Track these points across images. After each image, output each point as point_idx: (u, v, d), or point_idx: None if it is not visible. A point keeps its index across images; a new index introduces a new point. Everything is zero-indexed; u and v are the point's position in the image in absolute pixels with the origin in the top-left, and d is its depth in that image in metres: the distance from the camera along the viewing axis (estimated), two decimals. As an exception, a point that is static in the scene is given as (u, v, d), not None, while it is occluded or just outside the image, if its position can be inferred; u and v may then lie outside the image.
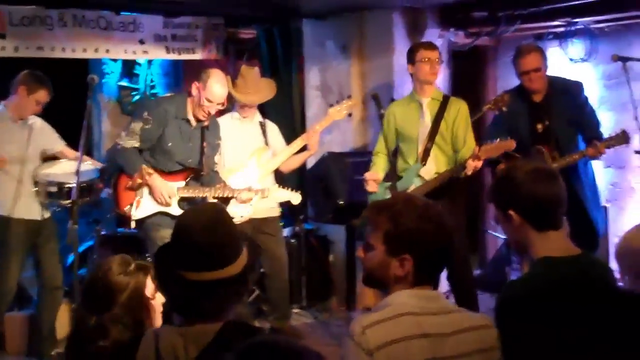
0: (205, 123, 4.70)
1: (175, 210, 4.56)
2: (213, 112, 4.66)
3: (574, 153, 4.87)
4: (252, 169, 5.12)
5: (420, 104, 4.92)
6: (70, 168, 4.80)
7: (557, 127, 4.99)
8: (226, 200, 4.70)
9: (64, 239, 5.87)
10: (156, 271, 2.19)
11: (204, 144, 4.72)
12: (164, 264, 2.11)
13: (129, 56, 6.15)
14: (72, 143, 6.17)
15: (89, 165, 4.96)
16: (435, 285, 2.29)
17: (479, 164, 4.59)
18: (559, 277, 2.18)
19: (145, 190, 4.59)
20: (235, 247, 2.10)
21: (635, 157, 5.73)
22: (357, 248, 2.19)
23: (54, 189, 4.75)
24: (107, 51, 5.87)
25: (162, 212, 4.58)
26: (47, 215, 4.92)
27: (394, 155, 4.90)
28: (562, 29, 6.18)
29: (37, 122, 5.01)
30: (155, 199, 4.58)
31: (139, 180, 4.53)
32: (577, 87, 5.12)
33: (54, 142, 5.09)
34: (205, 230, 2.05)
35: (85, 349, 2.29)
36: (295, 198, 4.94)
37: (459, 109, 4.88)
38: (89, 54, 5.79)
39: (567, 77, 5.29)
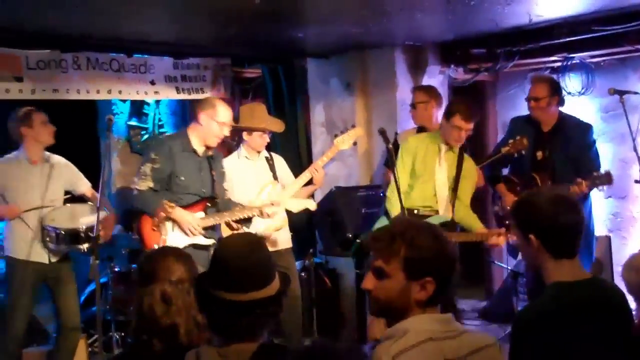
0: (210, 153, 4.83)
1: (203, 240, 4.66)
2: (227, 134, 4.79)
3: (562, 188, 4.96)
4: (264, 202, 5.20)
5: (439, 148, 4.94)
6: (76, 212, 4.91)
7: (556, 159, 5.13)
8: (247, 221, 4.85)
9: (81, 274, 6.01)
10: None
11: (213, 172, 4.83)
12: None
13: (141, 97, 6.33)
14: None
15: (100, 216, 5.00)
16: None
17: (502, 241, 4.73)
18: (572, 300, 2.28)
19: (169, 226, 4.65)
20: (269, 271, 2.24)
21: (636, 187, 5.87)
22: (365, 279, 2.13)
23: (52, 234, 4.79)
24: (120, 92, 6.04)
25: (192, 243, 4.63)
26: (54, 259, 4.93)
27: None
28: (559, 64, 6.33)
29: (62, 162, 5.10)
30: (183, 231, 4.64)
31: (163, 215, 4.59)
32: (586, 128, 5.23)
33: (77, 183, 5.15)
34: (243, 253, 2.20)
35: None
36: (311, 204, 5.09)
37: (471, 165, 4.99)
38: (103, 95, 5.96)
39: (579, 118, 5.40)
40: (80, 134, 6.92)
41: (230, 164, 5.21)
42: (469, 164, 4.99)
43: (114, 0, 4.24)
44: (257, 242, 2.31)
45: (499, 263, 6.96)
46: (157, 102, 7.14)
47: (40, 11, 4.45)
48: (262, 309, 2.18)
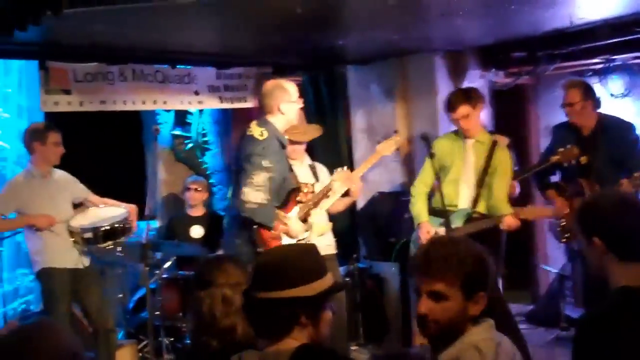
0: None
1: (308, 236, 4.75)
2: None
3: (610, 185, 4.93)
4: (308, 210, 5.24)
5: (464, 143, 5.00)
6: (98, 213, 5.07)
7: (600, 162, 5.10)
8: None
9: (130, 281, 6.15)
10: (244, 301, 2.35)
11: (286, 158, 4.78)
12: (249, 294, 2.26)
13: (185, 106, 6.45)
14: (128, 189, 6.48)
15: (122, 210, 5.17)
16: None
17: (515, 223, 4.72)
18: (637, 306, 2.25)
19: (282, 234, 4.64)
20: (307, 272, 2.22)
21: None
22: (418, 304, 2.19)
23: (89, 235, 4.92)
24: (165, 102, 6.17)
25: None
26: (87, 263, 5.10)
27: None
28: (601, 66, 6.31)
29: (61, 174, 5.20)
30: (290, 236, 4.64)
31: (281, 226, 4.58)
32: (627, 126, 5.23)
33: (80, 191, 5.27)
34: (277, 254, 2.30)
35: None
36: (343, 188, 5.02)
37: (503, 160, 4.95)
38: (148, 106, 6.10)
39: (620, 117, 5.40)
40: (126, 144, 7.07)
41: None
42: (501, 157, 4.93)
43: (161, 14, 4.33)
44: (307, 244, 2.38)
45: (545, 267, 6.93)
46: (201, 111, 7.26)
47: (89, 26, 4.57)
48: (298, 307, 2.17)
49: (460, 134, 5.03)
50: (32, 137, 5.03)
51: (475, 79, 6.55)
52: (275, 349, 2.19)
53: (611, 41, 5.71)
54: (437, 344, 2.22)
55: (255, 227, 4.55)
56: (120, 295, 5.95)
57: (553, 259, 6.82)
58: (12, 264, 5.73)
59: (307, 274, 2.22)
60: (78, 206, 5.27)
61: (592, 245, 2.35)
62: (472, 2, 4.57)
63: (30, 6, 3.03)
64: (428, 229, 4.95)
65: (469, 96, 4.90)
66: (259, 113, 6.19)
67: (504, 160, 4.94)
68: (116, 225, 4.93)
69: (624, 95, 6.40)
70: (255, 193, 4.43)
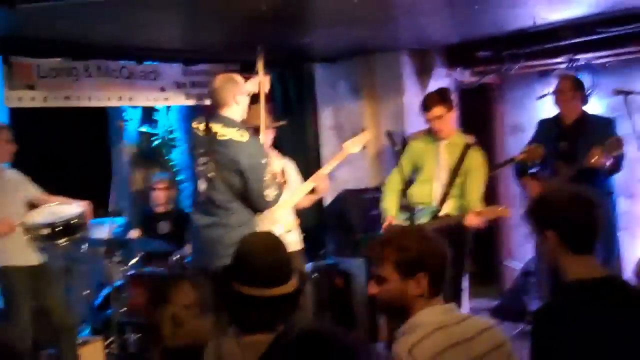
0: None
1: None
2: None
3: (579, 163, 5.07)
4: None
5: (438, 144, 5.02)
6: (53, 210, 4.91)
7: (580, 148, 5.19)
8: None
9: (95, 277, 6.11)
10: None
11: None
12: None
13: (151, 103, 6.43)
14: (93, 185, 6.45)
15: (77, 207, 5.00)
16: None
17: (476, 221, 4.74)
18: (591, 297, 2.31)
19: None
20: (289, 269, 2.38)
21: (640, 186, 5.93)
22: (369, 287, 2.37)
23: (44, 231, 4.77)
24: (130, 99, 6.13)
25: None
26: (44, 259, 5.00)
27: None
28: (565, 65, 6.38)
29: (13, 173, 5.09)
30: None
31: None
32: (609, 121, 5.38)
33: (31, 189, 5.14)
34: (267, 250, 2.35)
35: None
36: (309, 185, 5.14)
37: (476, 161, 4.97)
38: (113, 102, 6.05)
39: (602, 115, 5.69)
40: (91, 140, 7.02)
41: None
42: (475, 158, 4.96)
43: (124, 9, 4.31)
44: (278, 240, 2.46)
45: (511, 262, 7.02)
46: (168, 108, 7.24)
47: (52, 20, 4.54)
48: (281, 304, 2.32)
49: (435, 135, 5.05)
50: None
51: (441, 78, 6.63)
52: (255, 337, 2.30)
53: (574, 41, 5.82)
54: (395, 320, 2.36)
55: None
56: (86, 292, 5.90)
57: (518, 255, 6.92)
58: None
59: (289, 271, 2.39)
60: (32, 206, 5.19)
61: (546, 239, 2.40)
62: (437, 1, 4.62)
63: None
64: (390, 221, 5.03)
65: (444, 98, 4.96)
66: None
67: (478, 161, 4.96)
68: (72, 222, 4.80)
69: (588, 95, 6.49)
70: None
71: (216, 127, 4.45)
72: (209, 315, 2.66)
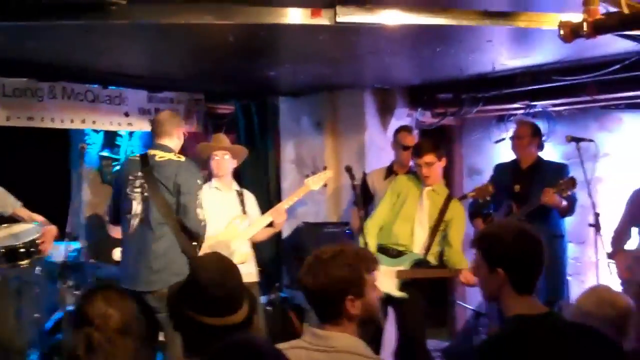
0: None
1: None
2: None
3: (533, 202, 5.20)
4: (231, 236, 5.30)
5: (422, 187, 5.02)
6: (13, 231, 4.84)
7: (533, 191, 5.35)
8: None
9: (48, 302, 6.02)
10: (172, 313, 2.40)
11: None
12: (179, 306, 2.34)
13: (114, 128, 6.43)
14: (51, 207, 6.36)
15: (35, 232, 4.86)
16: None
17: (472, 279, 4.69)
18: (531, 332, 2.38)
19: None
20: (242, 295, 2.39)
21: (592, 231, 6.05)
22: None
23: (10, 249, 4.65)
24: (94, 122, 6.15)
25: None
26: None
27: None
28: (522, 111, 6.56)
29: None
30: None
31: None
32: (562, 166, 5.60)
33: (6, 203, 5.03)
34: (221, 278, 2.34)
35: None
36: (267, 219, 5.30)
37: (459, 211, 5.05)
38: (76, 125, 6.06)
39: (556, 161, 5.94)
40: (52, 162, 6.97)
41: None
42: (456, 208, 5.03)
43: (93, 33, 4.34)
44: (232, 265, 2.44)
45: (462, 303, 7.10)
46: (130, 134, 7.24)
47: (19, 41, 4.55)
48: (235, 331, 2.30)
49: (420, 180, 5.06)
50: None
51: (402, 117, 6.76)
52: None
53: (531, 88, 5.97)
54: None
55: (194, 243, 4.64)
56: (37, 316, 5.81)
57: (470, 296, 7.00)
58: None
59: (242, 297, 2.40)
60: (7, 219, 5.13)
61: (494, 275, 2.46)
62: (400, 43, 4.74)
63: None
64: None
65: (437, 147, 5.03)
66: (192, 138, 6.24)
67: (459, 213, 5.05)
68: (21, 248, 4.68)
69: (543, 141, 6.64)
70: (202, 211, 4.60)
71: (154, 152, 4.69)
72: (129, 339, 2.46)
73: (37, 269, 5.76)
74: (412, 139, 5.80)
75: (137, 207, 4.62)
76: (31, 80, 5.68)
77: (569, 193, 5.19)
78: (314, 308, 2.42)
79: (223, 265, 2.41)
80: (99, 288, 2.62)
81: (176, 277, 4.20)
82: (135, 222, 4.63)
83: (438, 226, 4.98)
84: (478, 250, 2.54)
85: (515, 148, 5.69)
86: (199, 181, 4.65)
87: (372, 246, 5.04)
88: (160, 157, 4.66)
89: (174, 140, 4.78)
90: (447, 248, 5.00)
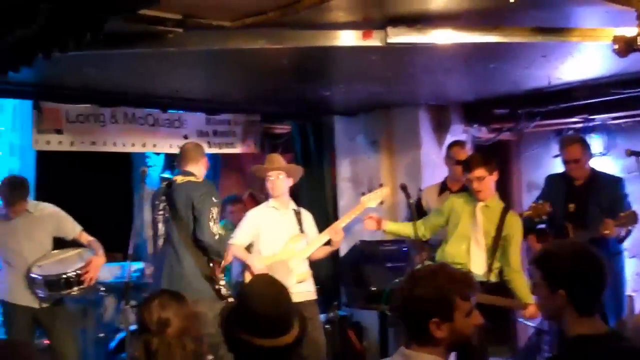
0: None
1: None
2: None
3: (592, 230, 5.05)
4: (289, 255, 5.36)
5: (474, 204, 4.95)
6: (64, 258, 5.07)
7: (589, 210, 5.23)
8: None
9: (111, 321, 6.17)
10: (225, 335, 2.45)
11: None
12: (232, 328, 2.39)
13: (174, 150, 6.53)
14: (114, 229, 6.53)
15: (77, 253, 5.17)
16: None
17: (537, 315, 4.68)
18: (594, 353, 2.34)
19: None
20: (292, 317, 2.42)
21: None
22: None
23: (39, 281, 4.92)
24: (154, 146, 6.32)
25: None
26: (45, 304, 5.05)
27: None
28: (580, 125, 6.45)
29: (45, 211, 5.18)
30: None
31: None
32: (617, 180, 5.42)
33: (66, 229, 5.24)
34: (272, 300, 2.39)
35: None
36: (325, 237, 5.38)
37: (516, 226, 4.91)
38: (137, 148, 6.24)
39: (610, 173, 5.67)
40: (115, 185, 7.18)
41: (259, 213, 5.39)
42: (513, 223, 4.89)
43: (151, 60, 4.48)
44: (282, 287, 2.48)
45: (524, 321, 6.97)
46: (190, 156, 7.39)
47: (81, 69, 4.73)
48: (286, 352, 2.37)
49: (472, 196, 4.98)
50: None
51: (458, 133, 6.72)
52: None
53: (589, 101, 5.89)
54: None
55: (211, 264, 4.86)
56: (101, 335, 5.97)
57: (532, 313, 6.87)
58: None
59: (292, 318, 2.43)
60: (68, 243, 5.29)
61: (555, 296, 2.41)
62: (454, 60, 4.74)
63: (24, 50, 3.17)
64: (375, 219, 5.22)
65: (487, 161, 4.93)
66: (249, 158, 6.34)
67: (517, 229, 4.91)
68: (64, 277, 4.93)
69: (602, 154, 6.53)
70: (216, 226, 4.80)
71: (177, 177, 5.01)
72: (187, 342, 2.55)
73: (101, 290, 5.94)
74: (465, 153, 5.72)
75: (161, 228, 4.97)
76: (94, 106, 5.86)
77: (630, 228, 5.02)
78: (403, 325, 2.38)
79: (273, 287, 2.45)
80: (155, 294, 2.72)
81: (197, 294, 4.61)
82: (160, 242, 4.97)
83: (497, 243, 4.86)
84: (537, 270, 2.48)
85: (572, 172, 5.41)
86: (214, 198, 4.85)
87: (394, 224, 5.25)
88: (181, 180, 4.94)
89: (198, 167, 5.06)
90: (506, 267, 4.90)
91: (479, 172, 4.86)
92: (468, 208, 4.98)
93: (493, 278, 4.89)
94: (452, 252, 4.94)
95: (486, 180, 4.88)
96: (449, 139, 6.57)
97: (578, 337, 2.39)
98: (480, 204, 4.93)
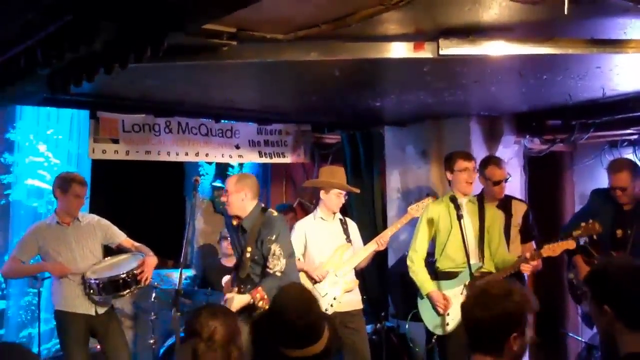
0: None
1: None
2: None
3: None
4: (336, 265, 5.39)
5: (458, 203, 5.01)
6: (116, 262, 5.22)
7: (637, 239, 5.06)
8: None
9: (161, 327, 6.28)
10: (254, 344, 2.49)
11: None
12: (261, 337, 2.43)
13: (226, 160, 6.69)
14: (167, 236, 6.66)
15: (128, 256, 5.32)
16: None
17: (536, 263, 4.92)
18: None
19: None
20: (321, 327, 2.44)
21: None
22: None
23: (112, 279, 5.07)
24: (207, 155, 6.41)
25: None
26: (101, 310, 5.22)
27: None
28: (636, 136, 6.34)
29: (93, 220, 5.35)
30: None
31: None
32: None
33: (112, 235, 5.39)
34: (303, 312, 2.43)
35: None
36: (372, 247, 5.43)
37: (494, 214, 5.21)
38: (190, 158, 6.34)
39: None
40: (168, 193, 7.31)
41: (306, 224, 5.43)
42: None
43: (206, 71, 4.56)
44: (312, 297, 2.52)
45: (575, 335, 6.87)
46: (241, 165, 7.49)
47: (137, 80, 4.83)
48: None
49: (455, 195, 5.10)
50: (56, 184, 5.20)
51: (510, 145, 6.66)
52: None
53: (645, 113, 5.77)
54: None
55: None
56: (152, 341, 6.07)
57: (583, 328, 6.77)
58: (50, 305, 5.95)
59: (321, 329, 2.47)
60: (114, 250, 5.45)
61: (603, 312, 2.42)
62: (506, 71, 4.71)
63: (86, 66, 3.27)
64: (440, 297, 5.10)
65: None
66: (299, 168, 6.32)
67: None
68: (121, 279, 5.06)
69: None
70: (277, 264, 4.73)
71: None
72: (233, 350, 2.58)
73: (152, 296, 6.06)
74: (502, 172, 5.51)
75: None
76: (149, 116, 5.98)
77: None
78: (475, 339, 2.43)
79: (303, 297, 2.49)
80: (205, 304, 2.79)
81: None
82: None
83: (483, 231, 5.09)
84: (588, 289, 2.53)
85: (620, 198, 5.18)
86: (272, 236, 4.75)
87: (425, 283, 5.18)
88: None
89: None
90: (495, 255, 5.10)
91: (473, 163, 5.31)
92: (451, 210, 5.09)
93: (491, 268, 5.09)
94: (452, 256, 5.10)
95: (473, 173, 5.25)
96: (501, 149, 6.53)
97: (629, 356, 2.37)
98: (465, 199, 5.15)
